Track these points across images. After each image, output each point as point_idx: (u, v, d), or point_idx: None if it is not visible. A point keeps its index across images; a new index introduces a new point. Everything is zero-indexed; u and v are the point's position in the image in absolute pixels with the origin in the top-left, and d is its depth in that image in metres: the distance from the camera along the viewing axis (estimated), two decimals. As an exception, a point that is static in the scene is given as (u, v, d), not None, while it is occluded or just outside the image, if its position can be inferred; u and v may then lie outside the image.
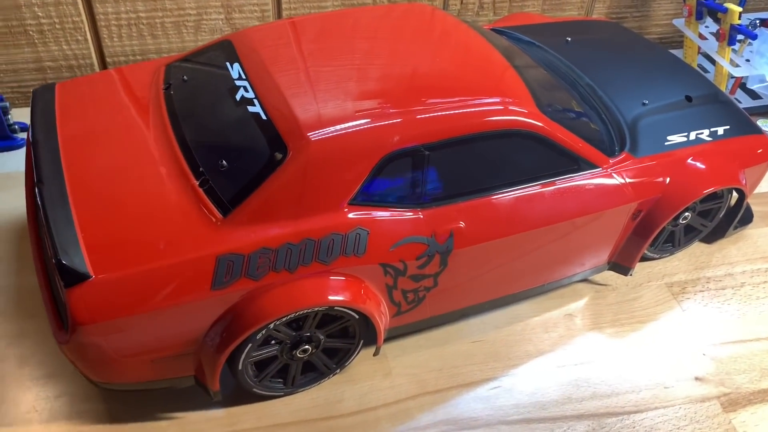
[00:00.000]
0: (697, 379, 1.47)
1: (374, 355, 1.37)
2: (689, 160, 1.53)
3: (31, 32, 2.02)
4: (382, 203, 1.25)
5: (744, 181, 1.61)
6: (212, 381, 1.22)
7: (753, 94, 2.22)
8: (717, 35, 2.12)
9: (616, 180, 1.45)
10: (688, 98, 1.67)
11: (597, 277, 1.65)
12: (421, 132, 1.25)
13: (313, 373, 1.36)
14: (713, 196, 1.63)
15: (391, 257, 1.26)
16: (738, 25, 2.03)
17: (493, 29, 1.84)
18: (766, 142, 1.68)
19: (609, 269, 1.62)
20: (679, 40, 2.48)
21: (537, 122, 1.33)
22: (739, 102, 2.19)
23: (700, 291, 1.65)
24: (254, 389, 1.30)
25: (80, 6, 2.00)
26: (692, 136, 1.58)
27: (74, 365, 1.18)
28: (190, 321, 1.16)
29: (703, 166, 1.54)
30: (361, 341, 1.34)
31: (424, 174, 1.27)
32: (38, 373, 1.36)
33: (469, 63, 1.42)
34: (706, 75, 2.26)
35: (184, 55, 1.52)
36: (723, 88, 2.17)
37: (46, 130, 1.32)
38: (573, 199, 1.41)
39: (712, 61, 2.23)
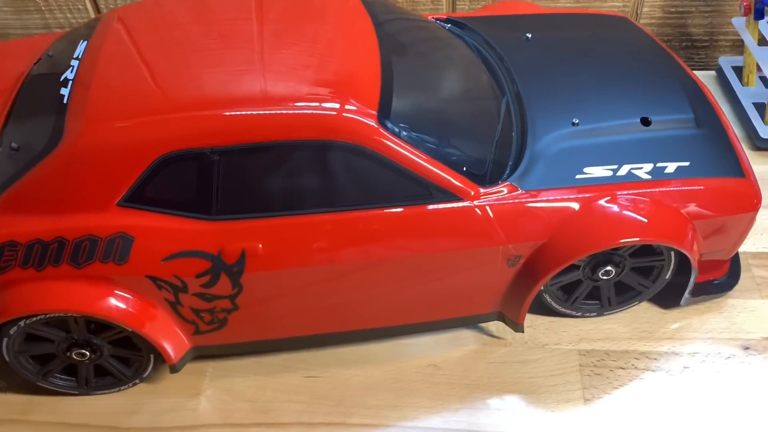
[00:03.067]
0: (555, 478, 1.16)
1: (171, 372, 1.25)
2: (601, 202, 1.19)
3: (38, 0, 2.12)
4: (162, 208, 1.12)
5: (691, 240, 1.23)
6: (-20, 368, 1.20)
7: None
8: (742, 9, 1.63)
9: (480, 216, 1.16)
10: (645, 121, 1.30)
11: (492, 327, 1.37)
12: (208, 133, 1.08)
13: (110, 377, 1.27)
14: (649, 250, 1.26)
15: (162, 271, 1.12)
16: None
17: (448, 19, 1.58)
18: (744, 190, 1.26)
19: (499, 320, 1.33)
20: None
21: (365, 136, 1.10)
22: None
23: (621, 368, 1.30)
24: (39, 383, 1.25)
25: (79, -24, 2.06)
26: (623, 170, 1.23)
27: None
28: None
29: (618, 211, 1.19)
30: (152, 355, 1.22)
31: (216, 180, 1.11)
32: None
33: (318, 53, 1.21)
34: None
35: (75, 28, 1.49)
36: (751, 81, 1.66)
37: None
38: (411, 232, 1.16)
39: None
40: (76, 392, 1.28)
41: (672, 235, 1.20)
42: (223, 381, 1.31)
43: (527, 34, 1.49)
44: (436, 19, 1.59)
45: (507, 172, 1.22)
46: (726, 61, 1.90)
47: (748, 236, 1.41)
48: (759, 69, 1.80)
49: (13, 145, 1.17)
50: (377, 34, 1.26)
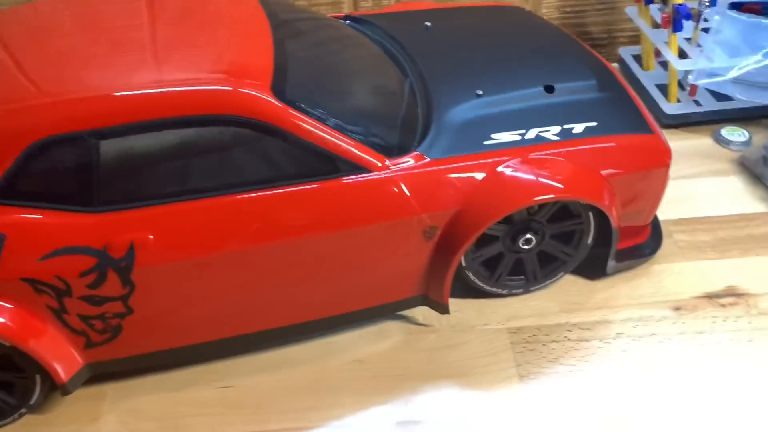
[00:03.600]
0: (496, 461, 1.07)
1: (62, 394, 1.11)
2: (511, 163, 1.15)
3: None
4: (38, 203, 1.01)
5: (608, 197, 1.20)
6: None
7: (721, 96, 1.73)
8: (662, 22, 1.68)
9: (393, 187, 1.10)
10: (549, 88, 1.29)
11: (418, 315, 1.28)
12: (85, 114, 0.99)
13: (-7, 410, 1.13)
14: (568, 214, 1.23)
15: (39, 271, 1.00)
16: (680, 5, 1.60)
17: (347, 17, 1.55)
18: (653, 145, 1.25)
19: (423, 305, 1.25)
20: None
21: (259, 108, 1.03)
22: (699, 104, 1.72)
23: (553, 342, 1.24)
24: None
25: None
26: (531, 134, 1.20)
27: None
28: None
29: (529, 172, 1.15)
30: (37, 376, 1.09)
31: (96, 167, 1.01)
32: None
33: (207, 37, 1.15)
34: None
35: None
36: (675, 88, 1.71)
37: None
38: (321, 209, 1.08)
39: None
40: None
41: (587, 191, 1.17)
42: (126, 402, 1.17)
43: (426, 23, 1.48)
44: (336, 17, 1.57)
45: (414, 144, 1.17)
46: (626, 51, 1.95)
47: (668, 205, 1.40)
48: (657, 54, 1.85)
49: None
50: (271, 26, 1.20)
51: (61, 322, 1.06)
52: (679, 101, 1.73)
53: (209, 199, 1.05)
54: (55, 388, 1.13)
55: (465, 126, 1.21)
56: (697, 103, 1.73)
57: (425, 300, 1.24)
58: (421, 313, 1.29)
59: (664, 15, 1.66)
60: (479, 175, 1.14)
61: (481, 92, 1.26)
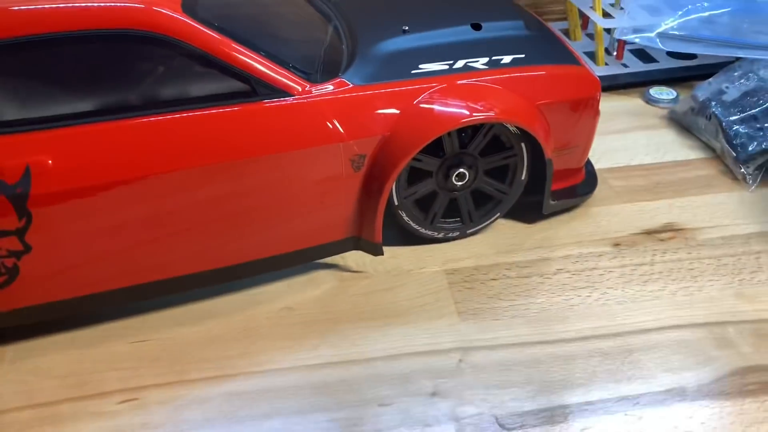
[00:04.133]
0: (434, 394, 1.00)
1: (-54, 348, 1.00)
2: (438, 89, 1.11)
3: None
4: None
5: (539, 124, 1.17)
6: None
7: (646, 57, 1.76)
8: (585, -17, 1.71)
9: (316, 111, 1.04)
10: (476, 26, 1.27)
11: (351, 263, 1.22)
12: (-26, 26, 0.92)
13: None
14: (500, 146, 1.19)
15: None
16: (601, -36, 1.62)
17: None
18: (582, 75, 1.24)
19: (357, 248, 1.19)
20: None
21: (167, 22, 0.96)
22: (626, 66, 1.74)
23: (492, 280, 1.18)
24: None
25: None
26: (458, 64, 1.16)
27: None
28: None
29: (457, 97, 1.11)
30: None
31: (-14, 86, 0.92)
32: None
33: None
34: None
35: None
36: (602, 51, 1.73)
37: None
38: (241, 133, 1.01)
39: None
40: None
41: (516, 114, 1.13)
42: (27, 362, 1.05)
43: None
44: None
45: (338, 73, 1.12)
46: (555, 26, 1.96)
47: (602, 156, 1.40)
48: (584, 27, 1.87)
49: None
50: None
51: (-53, 261, 0.95)
52: (606, 65, 1.75)
53: (116, 122, 0.97)
54: (-57, 348, 1.01)
55: (391, 57, 1.16)
56: (624, 65, 1.75)
57: (357, 243, 1.17)
58: (353, 260, 1.22)
59: (588, -23, 1.68)
60: (406, 101, 1.09)
61: (407, 28, 1.23)
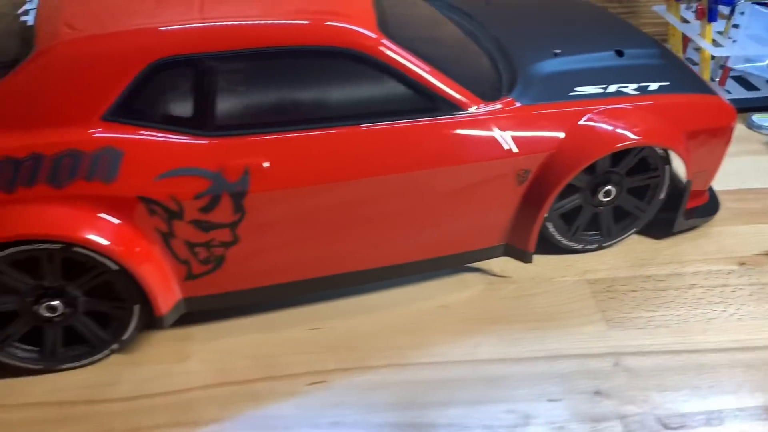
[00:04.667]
0: (597, 393, 1.09)
1: (158, 328, 1.09)
2: (598, 112, 1.20)
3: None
4: (154, 123, 1.01)
5: (683, 148, 1.26)
6: None
7: (748, 85, 1.84)
8: (696, 14, 1.79)
9: (488, 127, 1.14)
10: (619, 53, 1.36)
11: (495, 268, 1.31)
12: (203, 38, 1.01)
13: (82, 345, 1.09)
14: (644, 167, 1.28)
15: (155, 190, 0.99)
16: (716, -3, 1.71)
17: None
18: (719, 105, 1.32)
19: (505, 255, 1.28)
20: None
21: (371, 42, 1.07)
22: (729, 93, 1.82)
23: (632, 291, 1.27)
24: (-6, 354, 1.05)
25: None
26: (611, 88, 1.25)
27: None
28: None
29: (615, 120, 1.20)
30: (136, 306, 1.06)
31: (213, 92, 1.01)
32: None
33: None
34: (696, 67, 1.92)
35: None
36: (707, 77, 1.81)
37: None
38: (423, 144, 1.11)
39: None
40: (39, 366, 1.07)
41: (668, 139, 1.22)
42: (215, 343, 1.15)
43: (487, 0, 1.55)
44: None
45: (503, 92, 1.21)
46: (652, 49, 2.05)
47: (717, 178, 1.48)
48: (683, 49, 1.96)
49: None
50: None
51: (167, 248, 1.04)
52: (710, 90, 1.83)
53: (321, 131, 1.07)
54: (145, 328, 1.11)
55: (549, 78, 1.26)
56: (727, 92, 1.84)
57: (507, 249, 1.26)
58: (497, 266, 1.31)
59: (700, 7, 1.76)
60: (570, 122, 1.19)
61: (558, 51, 1.32)
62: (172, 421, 1.03)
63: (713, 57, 1.80)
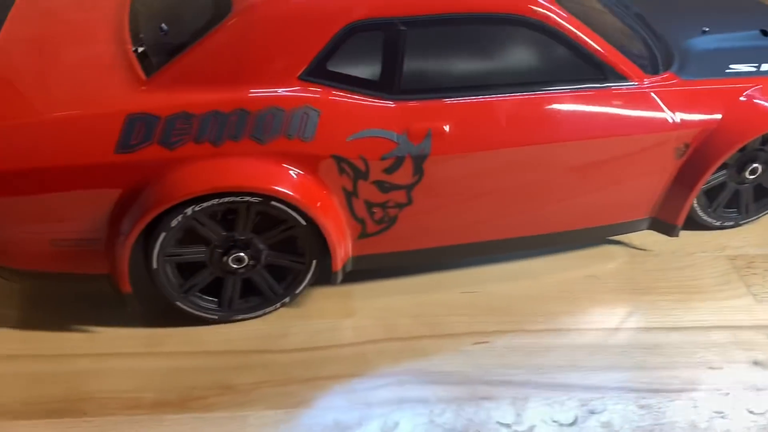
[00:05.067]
0: (756, 363, 1.12)
1: (330, 282, 1.13)
2: (756, 90, 1.22)
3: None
4: (344, 84, 1.04)
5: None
6: (122, 278, 1.02)
7: None
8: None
9: (654, 101, 1.16)
10: (765, 33, 1.37)
11: (634, 241, 1.33)
12: (396, 2, 1.04)
13: (256, 297, 1.13)
14: (791, 147, 1.30)
15: (347, 150, 1.03)
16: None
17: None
18: None
19: (649, 228, 1.30)
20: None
21: (551, 13, 1.09)
22: None
23: (776, 268, 1.30)
24: (177, 302, 1.08)
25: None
26: (764, 67, 1.27)
27: (-35, 239, 1.03)
28: (92, 193, 0.98)
29: (775, 98, 1.22)
30: (314, 261, 1.10)
31: (401, 56, 1.04)
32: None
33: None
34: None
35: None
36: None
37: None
38: (593, 114, 1.13)
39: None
40: (215, 316, 1.12)
41: (825, 120, 1.24)
42: (375, 301, 1.19)
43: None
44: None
45: (662, 66, 1.23)
46: None
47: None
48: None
49: (163, 26, 1.06)
50: None
51: (348, 207, 1.08)
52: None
53: (498, 97, 1.09)
54: (313, 284, 1.15)
55: (703, 55, 1.27)
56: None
57: (653, 223, 1.28)
58: (637, 239, 1.34)
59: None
60: (730, 98, 1.20)
61: (707, 29, 1.33)
62: (348, 372, 1.07)
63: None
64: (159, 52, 1.03)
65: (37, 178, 0.95)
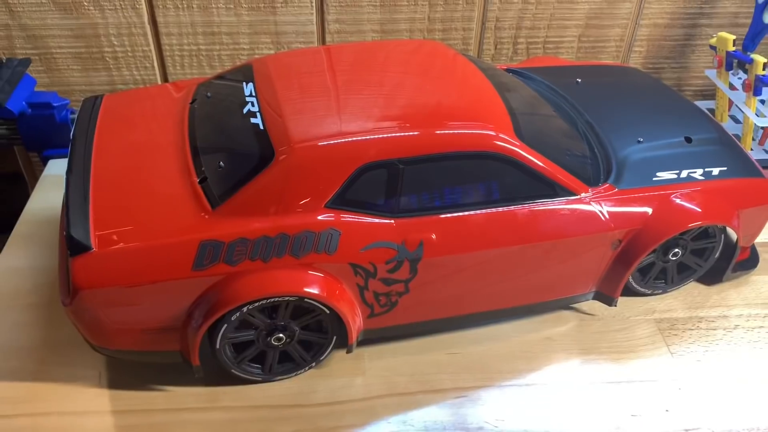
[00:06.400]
0: (667, 411, 1.47)
1: (347, 352, 1.48)
2: (675, 196, 1.57)
3: (107, 58, 2.32)
4: (358, 209, 1.38)
5: (737, 223, 1.62)
6: (193, 356, 1.37)
7: (785, 146, 2.20)
8: (743, 86, 2.13)
9: (593, 208, 1.51)
10: (688, 139, 1.71)
11: (583, 307, 1.69)
12: (396, 148, 1.37)
13: (290, 363, 1.48)
14: (705, 235, 1.65)
15: (361, 258, 1.37)
16: (763, 75, 2.04)
17: (508, 69, 1.95)
18: (765, 186, 1.68)
19: (594, 299, 1.66)
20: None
21: (511, 147, 1.43)
22: (767, 152, 2.18)
23: (690, 329, 1.65)
24: (233, 370, 1.43)
25: (149, 37, 2.29)
26: (683, 174, 1.62)
27: (76, 328, 1.36)
28: (174, 297, 1.32)
29: (688, 203, 1.57)
30: (334, 337, 1.45)
31: (399, 186, 1.39)
32: (55, 338, 1.55)
33: (458, 92, 1.54)
34: (738, 125, 2.27)
35: (213, 76, 1.73)
36: (749, 139, 2.17)
37: (84, 131, 1.55)
38: (546, 222, 1.48)
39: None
40: (260, 379, 1.47)
41: (726, 219, 1.60)
42: (380, 362, 1.54)
43: (577, 80, 1.89)
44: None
45: (602, 177, 1.57)
46: (701, 105, 2.39)
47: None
48: (728, 107, 2.30)
49: (221, 164, 1.40)
50: (488, 79, 1.60)
51: (360, 297, 1.42)
52: (752, 149, 2.19)
53: (472, 212, 1.43)
54: (334, 350, 1.49)
55: (636, 165, 1.61)
56: (765, 151, 2.19)
57: (597, 295, 1.64)
58: (585, 305, 1.69)
59: (747, 81, 2.10)
60: (653, 203, 1.55)
61: (641, 139, 1.67)
62: (360, 422, 1.43)
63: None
64: (219, 186, 1.37)
65: (140, 289, 1.29)
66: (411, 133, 1.38)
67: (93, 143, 1.52)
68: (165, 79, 2.39)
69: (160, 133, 1.55)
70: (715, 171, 1.64)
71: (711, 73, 2.30)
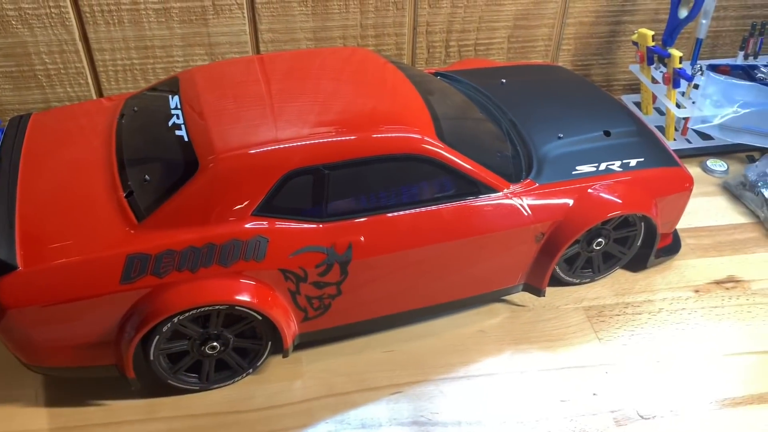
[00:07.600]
0: (595, 395, 1.54)
1: (283, 357, 1.51)
2: (594, 188, 1.64)
3: (39, 76, 2.30)
4: (286, 215, 1.41)
5: (655, 211, 1.70)
6: (128, 368, 1.38)
7: (704, 135, 2.29)
8: (663, 79, 2.22)
9: (515, 203, 1.56)
10: (607, 133, 1.78)
11: (515, 299, 1.75)
12: (320, 154, 1.41)
13: (227, 371, 1.50)
14: (626, 224, 1.72)
15: (290, 264, 1.40)
16: (679, 69, 2.14)
17: (437, 73, 2.01)
18: (681, 174, 1.76)
19: (523, 290, 1.71)
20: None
21: (433, 148, 1.48)
22: (690, 142, 2.27)
23: (616, 315, 1.72)
24: (169, 380, 1.45)
25: (81, 54, 2.28)
26: (602, 166, 1.69)
27: (7, 347, 1.36)
28: (104, 312, 1.33)
29: (607, 194, 1.64)
30: (269, 342, 1.48)
31: (326, 190, 1.42)
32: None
33: (384, 97, 1.59)
34: (662, 116, 2.36)
35: (142, 90, 1.75)
36: (672, 129, 2.26)
37: (10, 150, 1.55)
38: (470, 219, 1.53)
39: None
40: (197, 388, 1.49)
41: (644, 207, 1.67)
42: (318, 364, 1.57)
43: (502, 80, 1.95)
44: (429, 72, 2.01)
45: (524, 173, 1.63)
46: (627, 99, 2.49)
47: (677, 217, 1.92)
48: (653, 100, 2.39)
49: (146, 177, 1.41)
50: (412, 83, 1.65)
51: (293, 301, 1.45)
52: (674, 139, 2.28)
53: (398, 213, 1.48)
54: (271, 355, 1.51)
55: (555, 160, 1.68)
56: (687, 140, 2.28)
57: (525, 287, 1.70)
58: (517, 297, 1.75)
59: (666, 75, 2.19)
60: (573, 196, 1.62)
61: (561, 135, 1.74)
62: (298, 425, 1.45)
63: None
64: (144, 199, 1.38)
65: (70, 306, 1.30)
66: (334, 139, 1.42)
67: (19, 162, 1.52)
68: (100, 94, 2.38)
69: (88, 149, 1.56)
70: (633, 162, 1.72)
71: (635, 68, 2.39)
